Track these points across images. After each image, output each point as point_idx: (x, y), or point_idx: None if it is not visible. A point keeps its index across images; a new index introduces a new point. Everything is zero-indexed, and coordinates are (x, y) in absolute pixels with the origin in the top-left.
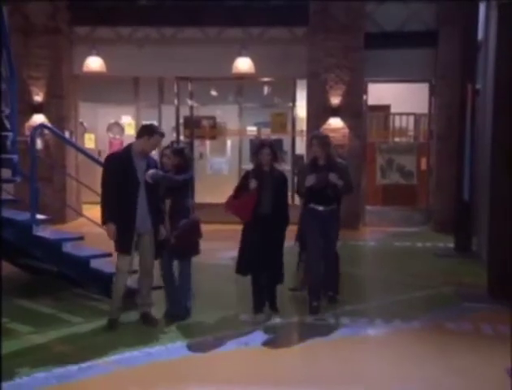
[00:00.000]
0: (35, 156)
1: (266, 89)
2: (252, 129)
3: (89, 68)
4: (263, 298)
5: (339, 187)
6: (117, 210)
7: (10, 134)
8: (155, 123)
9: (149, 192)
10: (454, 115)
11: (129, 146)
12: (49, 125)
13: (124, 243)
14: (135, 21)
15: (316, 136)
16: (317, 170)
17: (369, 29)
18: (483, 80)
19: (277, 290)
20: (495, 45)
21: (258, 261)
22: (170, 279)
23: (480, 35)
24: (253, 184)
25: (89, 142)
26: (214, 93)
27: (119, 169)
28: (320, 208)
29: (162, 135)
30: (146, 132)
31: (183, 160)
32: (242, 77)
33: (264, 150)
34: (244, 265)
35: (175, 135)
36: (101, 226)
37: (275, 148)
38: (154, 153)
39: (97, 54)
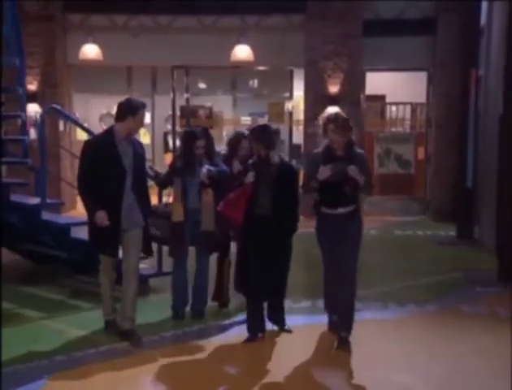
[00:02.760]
0: (44, 138)
1: (262, 79)
2: (246, 119)
3: (86, 56)
4: (260, 322)
5: (359, 184)
6: (100, 203)
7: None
8: (148, 113)
9: (137, 180)
10: (453, 103)
11: (110, 129)
12: (58, 107)
13: (108, 243)
14: (130, 9)
15: (335, 120)
16: (334, 160)
17: (366, 16)
18: (485, 65)
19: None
20: (505, 31)
21: (256, 276)
22: (185, 275)
23: (482, 20)
24: (249, 177)
25: (82, 133)
26: (203, 85)
27: (100, 155)
28: (335, 211)
29: (144, 106)
30: (130, 111)
31: (210, 142)
32: (240, 66)
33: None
34: (239, 280)
35: (169, 126)
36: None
37: (257, 133)
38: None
39: (94, 42)
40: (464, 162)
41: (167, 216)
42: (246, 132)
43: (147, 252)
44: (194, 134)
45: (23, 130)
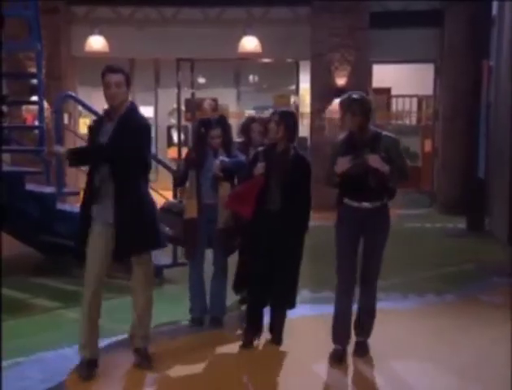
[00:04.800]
0: (60, 125)
1: (267, 72)
2: (250, 112)
3: (92, 48)
4: (257, 326)
5: (385, 174)
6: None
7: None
8: (151, 107)
9: (117, 166)
10: (461, 95)
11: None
12: (74, 95)
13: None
14: (134, 1)
15: (344, 100)
16: (355, 149)
17: (373, 8)
18: (496, 56)
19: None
20: None
21: (259, 276)
22: (201, 278)
23: (493, 11)
24: (259, 168)
25: (84, 127)
26: (207, 78)
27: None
28: (360, 205)
29: (107, 69)
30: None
31: (227, 131)
32: (246, 58)
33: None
34: (241, 279)
35: (172, 120)
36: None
37: (288, 119)
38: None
39: (100, 33)
40: (475, 154)
41: (181, 213)
42: (257, 116)
43: (116, 257)
44: (208, 122)
45: (41, 117)
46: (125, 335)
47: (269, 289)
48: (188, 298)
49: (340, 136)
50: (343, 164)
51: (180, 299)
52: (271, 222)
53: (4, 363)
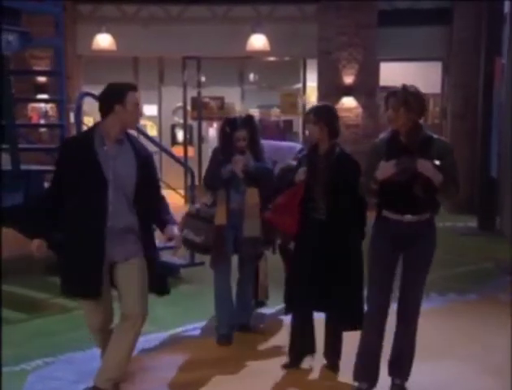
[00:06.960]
0: (80, 123)
1: (272, 71)
2: (254, 111)
3: (99, 46)
4: (305, 348)
5: (436, 183)
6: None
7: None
8: (155, 106)
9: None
10: (470, 93)
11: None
12: (93, 93)
13: (88, 281)
14: None
15: (396, 93)
16: (401, 152)
17: (381, 6)
18: (508, 54)
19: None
20: None
21: (309, 293)
22: (228, 288)
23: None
24: (300, 173)
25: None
26: (211, 76)
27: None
28: (402, 218)
29: (131, 87)
30: (115, 98)
31: (254, 133)
32: (254, 56)
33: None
34: (291, 298)
35: (176, 118)
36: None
37: (326, 115)
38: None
39: (107, 31)
40: (487, 153)
41: (210, 219)
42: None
43: (161, 291)
44: (234, 122)
45: (62, 115)
46: (143, 336)
47: (319, 304)
48: (204, 297)
49: (380, 135)
50: (386, 169)
51: (196, 299)
52: (319, 232)
53: (33, 363)
